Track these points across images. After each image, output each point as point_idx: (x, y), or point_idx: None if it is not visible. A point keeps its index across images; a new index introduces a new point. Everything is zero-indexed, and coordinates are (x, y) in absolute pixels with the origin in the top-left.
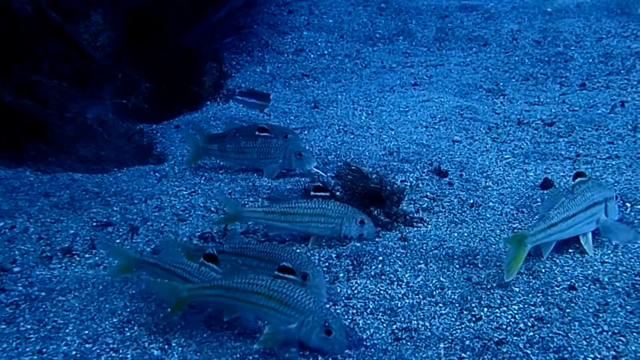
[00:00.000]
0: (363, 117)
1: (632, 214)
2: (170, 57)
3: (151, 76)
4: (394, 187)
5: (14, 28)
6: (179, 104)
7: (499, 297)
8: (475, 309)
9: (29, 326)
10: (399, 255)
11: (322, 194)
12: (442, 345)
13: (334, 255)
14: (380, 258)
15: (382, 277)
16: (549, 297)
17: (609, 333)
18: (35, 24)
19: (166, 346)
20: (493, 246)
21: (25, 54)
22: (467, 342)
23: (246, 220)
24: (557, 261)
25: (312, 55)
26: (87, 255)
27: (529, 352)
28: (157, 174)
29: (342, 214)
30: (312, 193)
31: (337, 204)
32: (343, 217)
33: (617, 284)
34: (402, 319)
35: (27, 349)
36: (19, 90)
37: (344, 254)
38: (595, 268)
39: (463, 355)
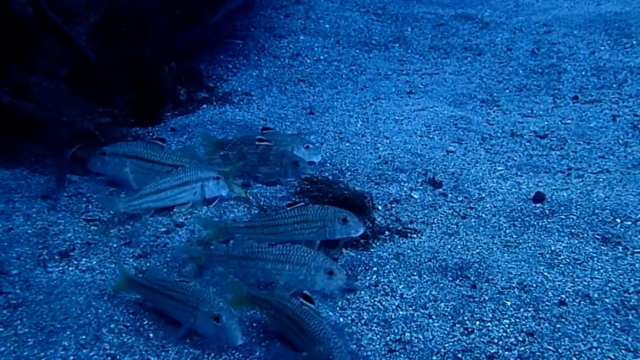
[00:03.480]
0: (358, 125)
1: (622, 229)
2: (137, 62)
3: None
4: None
5: (12, 28)
6: (144, 111)
7: (490, 310)
8: (467, 322)
9: (26, 330)
10: (393, 266)
11: (298, 203)
12: (434, 358)
13: None
14: (375, 269)
15: (377, 288)
16: (540, 312)
17: (598, 350)
18: (34, 24)
19: (163, 353)
20: (486, 259)
21: (22, 55)
22: (460, 356)
23: (231, 235)
24: (549, 275)
25: (308, 60)
26: (84, 260)
27: None
28: None
29: (322, 216)
30: (287, 205)
31: (316, 208)
32: (324, 219)
33: (607, 300)
34: (396, 331)
35: (25, 353)
36: (16, 91)
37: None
38: (585, 283)
39: None
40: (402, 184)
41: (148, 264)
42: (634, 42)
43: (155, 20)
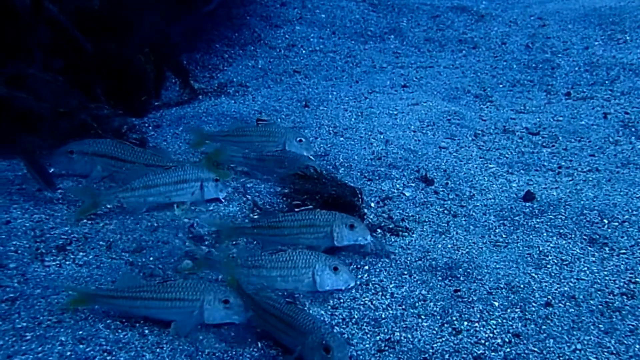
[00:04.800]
0: (353, 119)
1: (609, 230)
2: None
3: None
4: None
5: (9, 19)
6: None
7: (478, 311)
8: (455, 322)
9: (24, 324)
10: (384, 265)
11: (306, 207)
12: (422, 358)
13: None
14: (366, 267)
15: (368, 286)
16: (527, 313)
17: (582, 352)
18: (31, 15)
19: (158, 350)
20: (475, 259)
21: (19, 46)
22: (447, 356)
23: (238, 236)
24: (536, 276)
25: (303, 51)
26: (80, 254)
27: None
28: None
29: (330, 221)
30: (295, 210)
31: (324, 213)
32: (332, 225)
33: (592, 301)
34: (386, 330)
35: (23, 347)
36: (12, 82)
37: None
38: (571, 285)
39: None
40: (395, 180)
41: (143, 259)
42: (628, 37)
43: (143, 10)
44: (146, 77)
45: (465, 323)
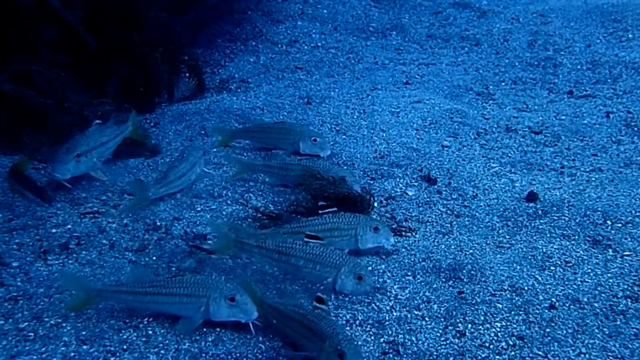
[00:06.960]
0: (355, 117)
1: (613, 232)
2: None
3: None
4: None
5: (13, 15)
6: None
7: (483, 313)
8: (459, 324)
9: (27, 323)
10: (387, 266)
11: (330, 210)
12: None
13: None
14: (370, 268)
15: None
16: (531, 316)
17: (586, 356)
18: (34, 10)
19: (162, 351)
20: (479, 260)
21: (24, 42)
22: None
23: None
24: (540, 278)
25: (305, 47)
26: (83, 252)
27: None
28: (150, 167)
29: (355, 224)
30: (320, 212)
31: (348, 216)
32: (357, 228)
33: (596, 304)
34: (390, 332)
35: (27, 347)
36: (17, 78)
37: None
38: (575, 287)
39: None
40: (398, 179)
41: (146, 258)
42: (630, 35)
43: (148, 2)
44: (160, 76)
45: (470, 325)
